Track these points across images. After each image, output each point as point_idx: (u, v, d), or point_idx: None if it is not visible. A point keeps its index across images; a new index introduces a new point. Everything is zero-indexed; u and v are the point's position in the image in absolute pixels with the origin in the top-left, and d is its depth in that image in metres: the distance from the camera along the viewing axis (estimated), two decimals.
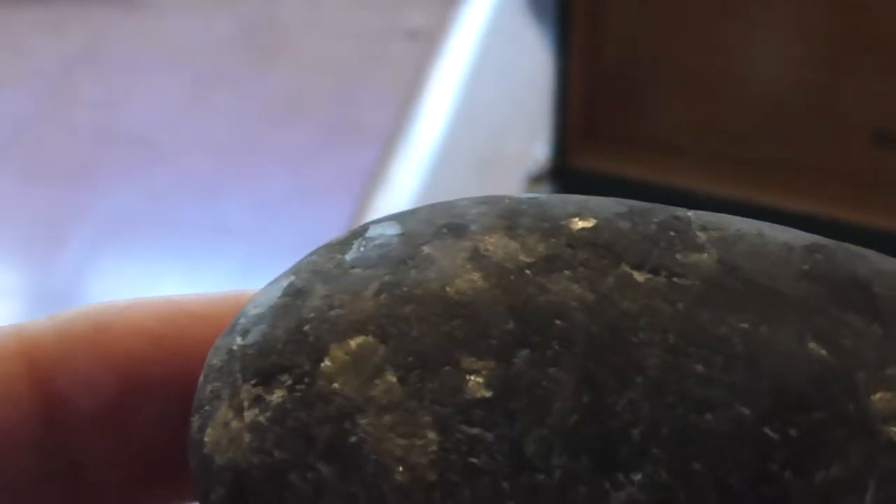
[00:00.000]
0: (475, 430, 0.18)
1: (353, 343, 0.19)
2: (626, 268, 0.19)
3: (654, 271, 0.19)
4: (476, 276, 0.19)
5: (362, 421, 0.18)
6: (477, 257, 0.19)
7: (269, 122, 1.74)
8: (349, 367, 0.19)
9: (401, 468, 0.18)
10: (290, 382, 0.19)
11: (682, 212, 0.21)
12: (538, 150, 0.98)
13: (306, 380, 0.19)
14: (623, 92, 0.90)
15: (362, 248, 0.20)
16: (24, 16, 1.91)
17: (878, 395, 0.19)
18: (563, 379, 0.19)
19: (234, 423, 0.19)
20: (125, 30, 1.89)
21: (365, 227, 0.21)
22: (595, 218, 0.20)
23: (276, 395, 0.19)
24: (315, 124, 1.73)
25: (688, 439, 0.18)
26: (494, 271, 0.19)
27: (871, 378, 0.19)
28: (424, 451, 0.18)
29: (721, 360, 0.19)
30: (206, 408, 0.20)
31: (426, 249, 0.20)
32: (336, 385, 0.19)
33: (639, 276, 0.19)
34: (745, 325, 0.19)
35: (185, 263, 1.59)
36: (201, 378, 0.20)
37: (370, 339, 0.19)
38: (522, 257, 0.19)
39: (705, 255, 0.20)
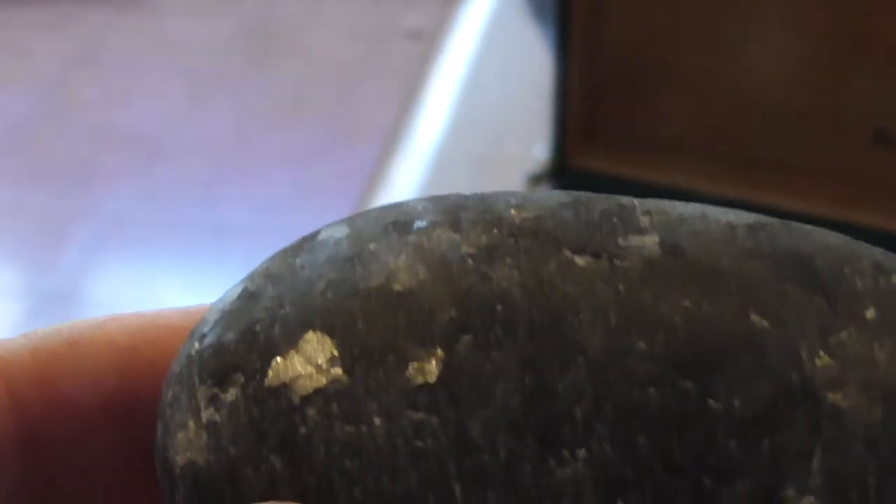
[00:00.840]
0: (420, 415, 0.19)
1: (302, 339, 0.19)
2: (568, 253, 0.20)
3: (596, 255, 0.20)
4: (419, 268, 0.20)
5: (311, 412, 0.19)
6: (420, 251, 0.20)
7: (269, 122, 1.74)
8: (298, 362, 0.19)
9: (348, 455, 0.19)
10: (242, 380, 0.19)
11: (627, 199, 0.21)
12: (538, 150, 0.98)
13: (258, 377, 0.19)
14: (623, 92, 0.90)
15: (313, 251, 0.21)
16: (24, 16, 1.91)
17: (820, 363, 0.19)
18: (506, 362, 0.19)
19: (192, 425, 0.20)
20: (125, 30, 1.89)
21: (316, 232, 0.21)
22: (537, 209, 0.21)
23: (230, 394, 0.19)
24: (315, 124, 1.73)
25: (632, 415, 0.19)
26: (437, 263, 0.20)
27: (814, 347, 0.19)
28: (372, 438, 0.19)
29: (663, 337, 0.19)
30: (168, 412, 0.20)
31: (372, 247, 0.20)
32: (285, 380, 0.19)
33: (580, 261, 0.20)
34: (686, 303, 0.20)
35: (184, 263, 1.59)
36: (164, 385, 0.21)
37: (318, 333, 0.19)
38: (465, 248, 0.20)
39: (647, 238, 0.20)
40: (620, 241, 0.20)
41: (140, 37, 1.88)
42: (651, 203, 0.21)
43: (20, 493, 0.21)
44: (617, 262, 0.20)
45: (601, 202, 0.21)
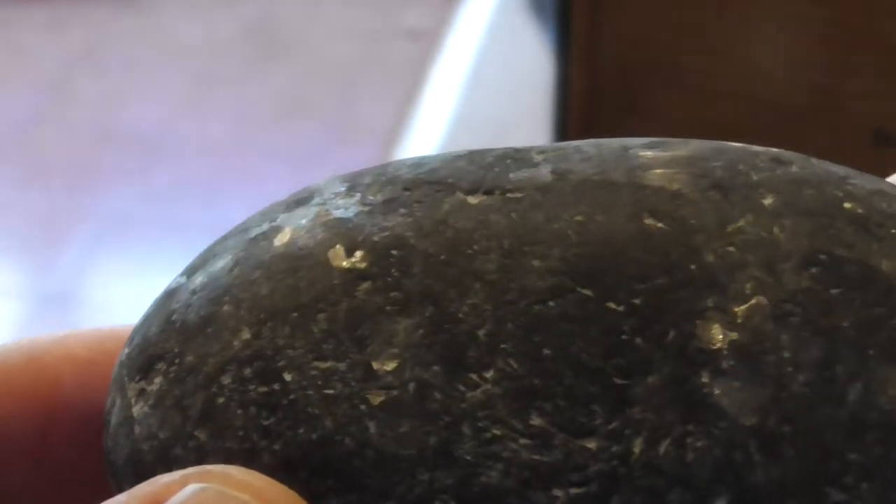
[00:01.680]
0: (328, 364, 0.20)
1: (212, 315, 0.20)
2: (461, 195, 0.21)
3: (489, 192, 0.21)
4: (317, 231, 0.21)
5: (226, 381, 0.20)
6: (319, 216, 0.21)
7: (269, 121, 1.74)
8: (211, 337, 0.20)
9: (265, 414, 0.19)
10: (164, 367, 0.20)
11: (524, 147, 0.22)
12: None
13: (177, 360, 0.20)
14: (623, 92, 0.90)
15: (226, 238, 0.22)
16: (24, 16, 1.91)
17: (720, 251, 0.20)
18: (405, 299, 0.20)
19: (127, 421, 0.21)
20: (125, 30, 1.89)
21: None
22: (431, 162, 0.22)
23: (155, 384, 0.20)
24: (315, 124, 1.73)
25: (534, 329, 0.20)
26: (334, 224, 0.21)
27: (711, 238, 0.20)
28: (285, 393, 0.20)
29: (558, 252, 0.20)
30: (107, 418, 0.21)
31: (277, 222, 0.21)
32: (200, 355, 0.20)
33: (473, 199, 0.21)
34: (579, 217, 0.20)
35: (184, 263, 1.59)
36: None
37: (226, 307, 0.20)
38: (361, 207, 0.21)
39: (540, 169, 0.21)
40: (512, 176, 0.21)
41: (140, 37, 1.88)
42: (548, 145, 0.22)
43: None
44: (509, 195, 0.21)
45: (496, 151, 0.22)
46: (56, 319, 1.50)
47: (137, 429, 0.20)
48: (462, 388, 0.19)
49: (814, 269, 0.20)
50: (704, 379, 0.19)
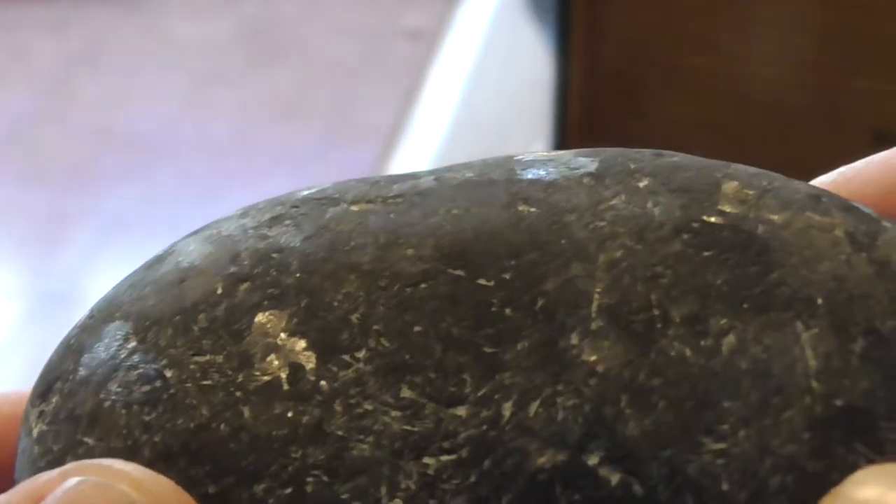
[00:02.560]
0: (206, 358, 0.20)
1: (104, 331, 0.21)
2: (345, 205, 0.22)
3: (371, 201, 0.22)
4: (206, 248, 0.22)
5: (113, 386, 0.21)
6: (209, 237, 0.22)
7: (269, 122, 1.74)
8: (102, 349, 0.21)
9: (147, 410, 0.20)
10: (60, 386, 0.21)
11: (419, 171, 0.23)
12: (538, 149, 0.98)
13: (71, 377, 0.21)
14: (623, 92, 0.90)
15: (136, 271, 0.23)
16: (25, 16, 1.91)
17: (591, 226, 0.21)
18: (282, 294, 0.21)
19: (29, 445, 0.21)
20: (125, 30, 1.89)
21: None
22: (324, 186, 0.22)
23: (53, 402, 0.21)
24: (315, 124, 1.73)
25: (405, 309, 0.20)
26: (223, 241, 0.22)
27: (584, 216, 0.21)
28: (165, 389, 0.20)
29: (432, 241, 0.21)
30: (18, 455, 0.22)
31: (173, 248, 0.22)
32: (91, 367, 0.21)
33: (356, 207, 0.22)
34: (455, 211, 0.21)
35: None
36: None
37: (116, 322, 0.21)
38: (249, 225, 0.22)
39: (423, 179, 0.22)
40: (395, 187, 0.22)
41: (140, 37, 1.88)
42: (439, 168, 0.23)
43: None
44: (391, 201, 0.22)
45: (393, 175, 0.23)
46: (56, 319, 1.50)
47: (36, 448, 0.21)
48: (334, 368, 0.20)
49: (686, 236, 0.20)
50: (574, 340, 0.20)
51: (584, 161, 0.22)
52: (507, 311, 0.20)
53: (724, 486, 0.19)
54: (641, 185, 0.21)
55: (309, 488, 0.20)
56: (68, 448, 0.21)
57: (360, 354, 0.20)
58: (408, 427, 0.20)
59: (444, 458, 0.20)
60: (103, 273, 1.57)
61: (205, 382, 0.20)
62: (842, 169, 0.23)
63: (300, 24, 1.90)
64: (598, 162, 0.22)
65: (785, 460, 0.19)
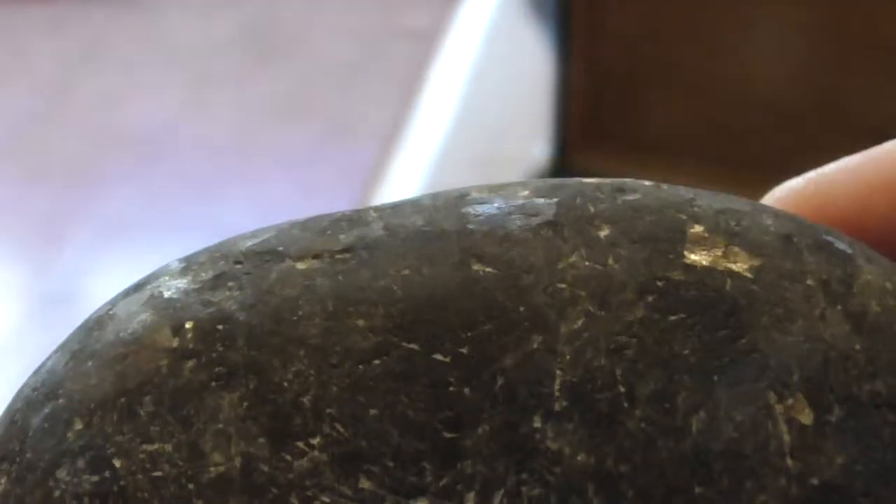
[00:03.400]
0: (154, 447, 0.19)
1: (47, 410, 0.20)
2: (290, 262, 0.20)
3: (317, 256, 0.20)
4: (146, 315, 0.20)
5: (62, 474, 0.20)
6: (150, 301, 0.21)
7: (269, 122, 1.74)
8: (46, 432, 0.20)
9: (97, 502, 0.19)
10: (7, 468, 0.20)
11: (363, 208, 0.22)
12: (538, 149, 0.98)
13: (18, 459, 0.20)
14: (623, 92, 0.90)
15: (73, 332, 0.22)
16: (24, 16, 1.91)
17: (550, 290, 0.19)
18: (228, 373, 0.20)
19: None
20: (125, 30, 1.89)
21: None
22: (266, 233, 0.21)
23: (1, 484, 0.20)
24: (315, 124, 1.73)
25: (359, 389, 0.19)
26: (163, 305, 0.20)
27: (541, 276, 0.19)
28: (115, 480, 0.19)
29: (382, 309, 0.20)
30: None
31: (113, 311, 0.21)
32: (38, 451, 0.20)
33: (301, 265, 0.20)
34: (405, 272, 0.20)
35: None
36: None
37: (60, 401, 0.20)
38: (192, 286, 0.20)
39: (372, 227, 0.21)
40: (342, 237, 0.20)
41: (140, 37, 1.88)
42: (387, 203, 0.21)
43: None
44: (338, 256, 0.20)
45: (334, 215, 0.21)
46: (56, 319, 1.50)
47: None
48: (288, 457, 0.19)
49: (650, 298, 0.19)
50: (536, 424, 0.19)
51: (541, 204, 0.20)
52: (466, 390, 0.19)
53: None
54: (602, 234, 0.20)
55: None
56: None
57: (315, 441, 0.19)
58: None
59: None
60: (103, 274, 1.57)
61: (155, 473, 0.19)
62: (811, 174, 0.22)
63: (300, 25, 1.90)
64: (556, 206, 0.20)
65: None
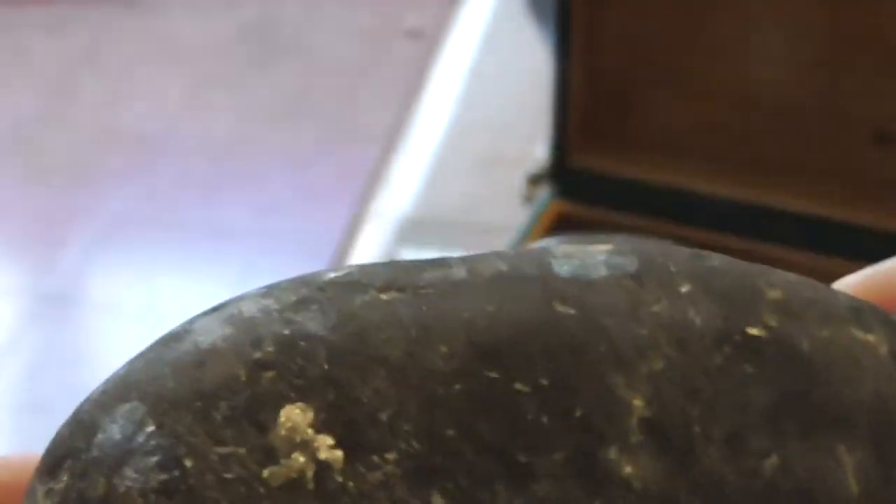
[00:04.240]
0: (228, 449, 0.20)
1: (120, 410, 0.21)
2: (374, 292, 0.21)
3: (401, 290, 0.21)
4: (227, 330, 0.21)
5: (129, 472, 0.20)
6: (231, 318, 0.21)
7: (269, 122, 1.74)
8: (115, 431, 0.20)
9: (163, 500, 0.20)
10: (70, 464, 0.21)
11: (445, 257, 0.22)
12: (538, 149, 0.98)
13: (83, 456, 0.20)
14: (623, 92, 0.90)
15: (148, 348, 0.22)
16: (25, 16, 1.91)
17: (632, 333, 0.20)
18: (307, 385, 0.20)
19: None
20: (125, 30, 1.89)
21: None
22: (350, 269, 0.22)
23: (62, 480, 0.20)
24: (315, 124, 1.73)
25: (437, 409, 0.20)
26: (244, 323, 0.21)
27: (624, 320, 0.20)
28: (184, 479, 0.20)
29: (464, 336, 0.20)
30: None
31: (191, 326, 0.21)
32: (104, 448, 0.20)
33: (385, 296, 0.21)
34: (490, 308, 0.20)
35: (184, 264, 1.59)
36: None
37: (133, 403, 0.21)
38: (274, 306, 0.21)
39: (454, 269, 0.21)
40: (427, 275, 0.21)
41: (140, 37, 1.88)
42: (470, 255, 0.22)
43: None
44: (421, 291, 0.21)
45: (421, 261, 0.22)
46: (56, 319, 1.50)
47: None
48: (363, 469, 0.19)
49: (728, 349, 0.20)
50: (612, 455, 0.19)
51: (622, 261, 0.21)
52: (544, 418, 0.20)
53: None
54: (682, 289, 0.21)
55: None
56: None
57: (390, 456, 0.20)
58: None
59: None
60: (103, 273, 1.57)
61: (226, 475, 0.20)
62: (867, 271, 0.23)
63: (301, 25, 1.90)
64: (638, 262, 0.21)
65: None
